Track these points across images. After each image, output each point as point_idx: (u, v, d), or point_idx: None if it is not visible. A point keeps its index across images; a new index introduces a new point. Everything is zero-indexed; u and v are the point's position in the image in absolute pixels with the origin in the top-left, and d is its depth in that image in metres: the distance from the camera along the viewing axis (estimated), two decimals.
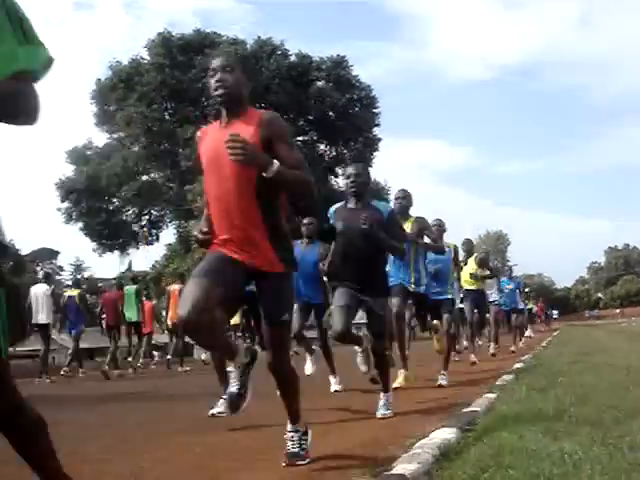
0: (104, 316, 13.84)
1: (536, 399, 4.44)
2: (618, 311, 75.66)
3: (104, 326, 13.74)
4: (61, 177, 37.11)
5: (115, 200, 38.02)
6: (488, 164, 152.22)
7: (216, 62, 3.24)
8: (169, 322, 13.80)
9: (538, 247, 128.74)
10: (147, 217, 39.91)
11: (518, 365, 8.19)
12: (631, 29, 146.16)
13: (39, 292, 12.38)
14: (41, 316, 12.23)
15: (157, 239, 40.30)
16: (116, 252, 39.73)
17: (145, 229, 39.62)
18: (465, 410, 4.33)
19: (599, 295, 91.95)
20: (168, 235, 39.85)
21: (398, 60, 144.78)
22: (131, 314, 13.67)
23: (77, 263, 64.56)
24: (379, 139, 41.28)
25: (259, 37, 38.59)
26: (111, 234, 38.13)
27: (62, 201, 37.01)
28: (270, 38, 38.70)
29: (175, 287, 13.66)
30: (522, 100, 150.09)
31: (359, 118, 39.17)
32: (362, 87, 40.20)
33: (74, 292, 13.37)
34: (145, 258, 45.83)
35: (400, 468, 2.69)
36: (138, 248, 40.48)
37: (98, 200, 37.20)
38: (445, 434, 3.34)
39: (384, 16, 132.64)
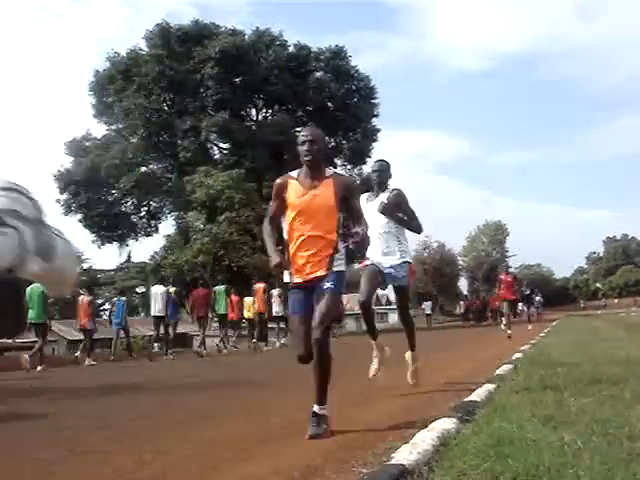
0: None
1: (535, 389, 4.46)
2: (616, 301, 75.54)
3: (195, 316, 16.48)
4: (60, 169, 37.02)
5: (114, 191, 37.89)
6: (487, 155, 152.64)
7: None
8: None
9: (537, 238, 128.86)
10: (146, 208, 39.83)
11: (517, 355, 8.21)
12: (629, 19, 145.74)
13: (157, 291, 15.86)
14: (158, 308, 15.54)
15: (156, 230, 40.29)
16: (115, 243, 39.67)
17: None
18: (465, 400, 4.34)
19: (598, 285, 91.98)
20: (167, 226, 39.87)
21: (397, 51, 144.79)
22: (221, 308, 16.86)
23: (76, 255, 64.56)
24: (378, 130, 41.22)
25: (257, 28, 38.49)
26: (110, 225, 38.02)
27: (61, 193, 36.90)
28: (268, 29, 38.63)
29: (259, 285, 18.51)
30: (521, 90, 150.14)
31: (358, 109, 39.08)
32: (361, 78, 40.10)
33: (172, 289, 16.30)
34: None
35: (400, 458, 2.70)
36: (137, 239, 40.44)
37: (97, 192, 37.10)
38: (445, 424, 3.35)
39: (382, 6, 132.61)
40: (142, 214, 40.00)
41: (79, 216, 37.53)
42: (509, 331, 14.89)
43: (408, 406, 4.76)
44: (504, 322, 17.22)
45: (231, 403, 5.12)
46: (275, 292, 19.03)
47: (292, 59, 38.11)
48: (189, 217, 33.16)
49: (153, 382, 8.90)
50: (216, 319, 18.21)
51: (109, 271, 61.64)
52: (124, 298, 17.25)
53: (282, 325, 20.02)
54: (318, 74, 38.93)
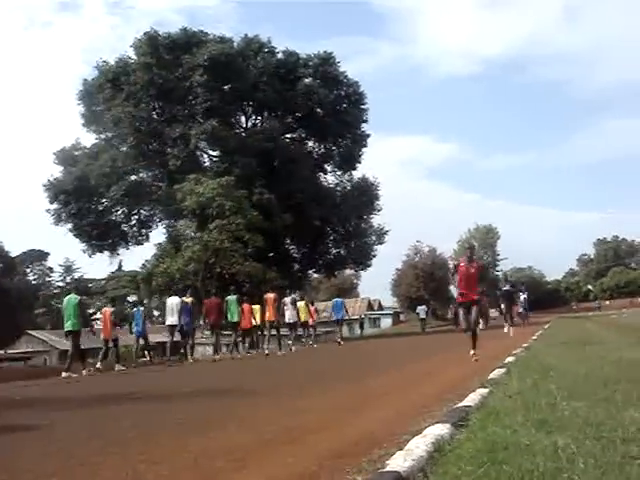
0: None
1: (528, 394, 4.46)
2: (608, 302, 75.76)
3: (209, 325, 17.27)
4: (49, 178, 36.83)
5: (104, 200, 37.71)
6: (476, 158, 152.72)
7: None
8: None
9: (528, 240, 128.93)
10: (136, 217, 39.70)
11: (510, 359, 8.22)
12: (614, 22, 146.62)
13: (173, 302, 16.53)
14: (172, 319, 16.19)
15: (147, 239, 40.14)
16: (106, 252, 39.47)
17: None
18: (458, 405, 4.34)
19: (589, 287, 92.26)
20: (158, 235, 39.76)
21: (385, 56, 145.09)
22: (232, 316, 17.16)
23: (67, 264, 64.63)
24: (368, 135, 41.29)
25: (246, 35, 38.51)
26: (101, 234, 37.87)
27: (51, 202, 36.71)
28: (257, 36, 38.65)
29: (270, 295, 18.51)
30: (509, 94, 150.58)
31: (347, 114, 39.13)
32: (349, 83, 40.16)
33: (188, 299, 16.93)
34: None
35: (395, 465, 2.70)
36: (128, 248, 40.28)
37: (87, 201, 36.92)
38: (439, 430, 3.35)
39: (370, 12, 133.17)
40: (132, 223, 39.83)
41: (69, 225, 37.34)
42: (472, 351, 9.71)
43: (401, 412, 4.75)
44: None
45: (225, 411, 5.10)
46: (287, 300, 19.87)
47: (281, 66, 38.14)
48: (180, 225, 33.04)
49: (150, 390, 8.85)
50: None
51: (100, 280, 61.50)
52: (142, 308, 18.11)
53: (299, 332, 21.02)
54: (307, 80, 38.95)
